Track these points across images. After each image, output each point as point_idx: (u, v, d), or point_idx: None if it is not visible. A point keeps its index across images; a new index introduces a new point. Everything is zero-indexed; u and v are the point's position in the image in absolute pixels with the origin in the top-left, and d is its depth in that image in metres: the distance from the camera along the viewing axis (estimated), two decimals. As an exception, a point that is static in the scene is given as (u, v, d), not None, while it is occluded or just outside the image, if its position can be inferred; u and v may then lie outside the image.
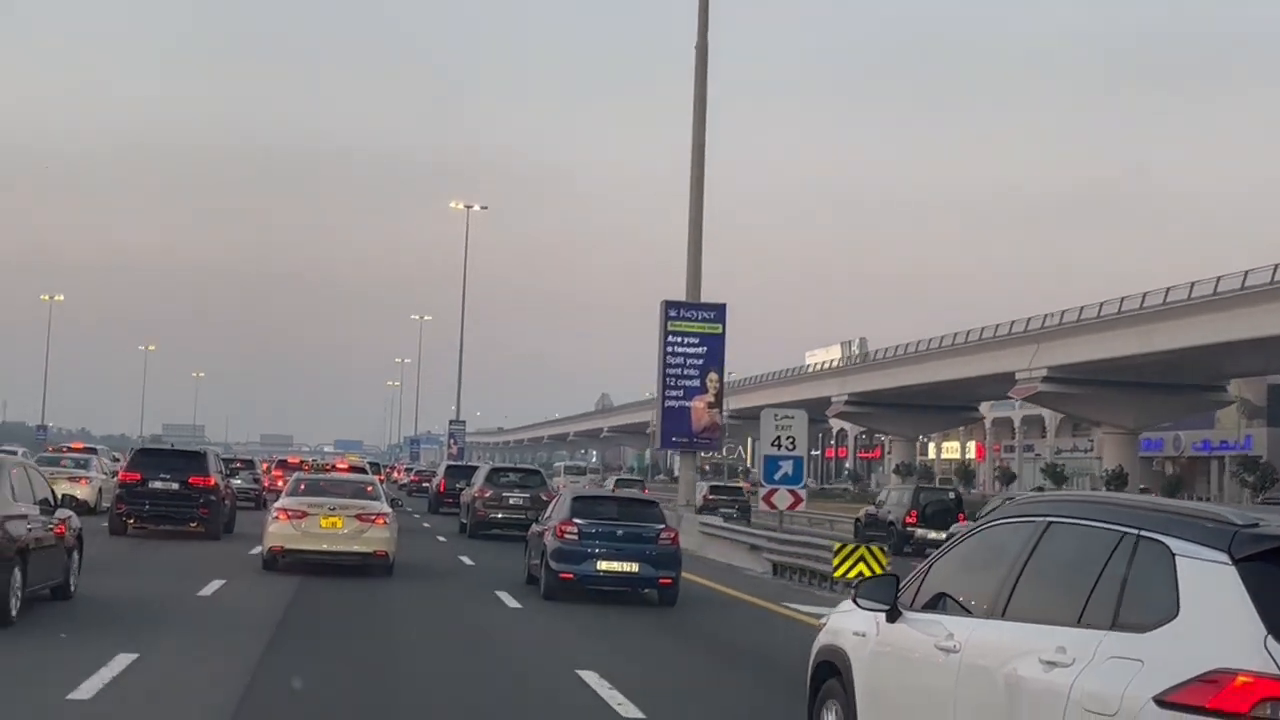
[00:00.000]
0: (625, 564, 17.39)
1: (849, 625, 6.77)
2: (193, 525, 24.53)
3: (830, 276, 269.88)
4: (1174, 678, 4.28)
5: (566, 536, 17.49)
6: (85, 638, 11.68)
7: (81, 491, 29.72)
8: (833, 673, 6.80)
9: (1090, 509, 5.37)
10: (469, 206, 79.78)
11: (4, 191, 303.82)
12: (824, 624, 7.32)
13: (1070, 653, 4.79)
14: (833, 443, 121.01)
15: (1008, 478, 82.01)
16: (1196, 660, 4.26)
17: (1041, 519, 5.61)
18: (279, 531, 18.92)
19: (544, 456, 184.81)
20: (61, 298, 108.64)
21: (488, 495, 30.94)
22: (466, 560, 23.99)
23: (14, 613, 11.92)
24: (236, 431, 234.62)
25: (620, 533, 17.62)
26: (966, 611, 5.83)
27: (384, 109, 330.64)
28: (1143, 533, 4.84)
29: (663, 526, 18.14)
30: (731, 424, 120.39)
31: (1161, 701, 4.27)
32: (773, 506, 27.82)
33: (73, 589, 14.35)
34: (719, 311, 35.67)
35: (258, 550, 19.82)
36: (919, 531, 32.41)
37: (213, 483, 25.04)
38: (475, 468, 40.48)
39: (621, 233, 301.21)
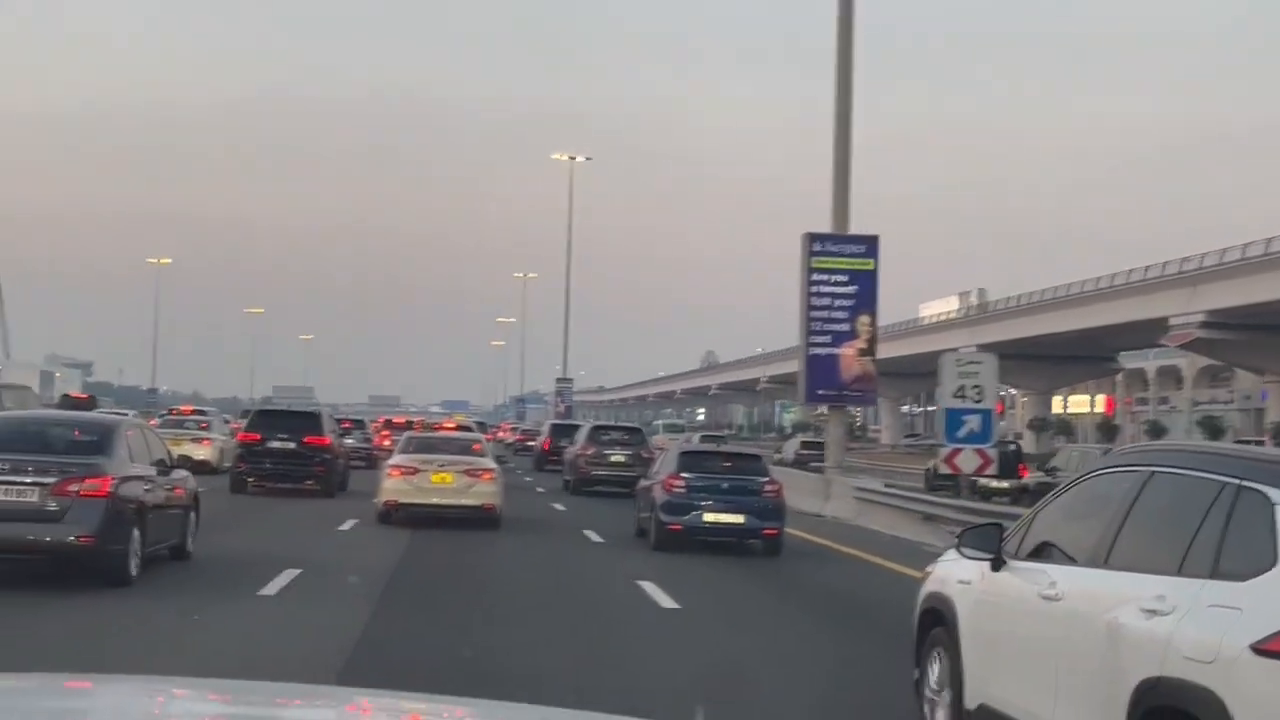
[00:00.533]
0: (731, 515, 18.02)
1: (954, 574, 6.88)
2: (308, 483, 25.22)
3: (943, 225, 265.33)
4: (1271, 626, 4.34)
5: (674, 490, 18.21)
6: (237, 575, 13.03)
7: (203, 452, 31.00)
8: (938, 621, 6.94)
9: (1194, 459, 5.41)
10: (572, 158, 77.72)
11: (113, 154, 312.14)
12: (929, 573, 7.41)
13: (1170, 601, 4.86)
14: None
15: (1157, 431, 78.71)
16: None
17: (1146, 469, 5.66)
18: (393, 486, 20.02)
19: (648, 415, 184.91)
20: (168, 260, 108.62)
21: (590, 453, 31.82)
22: (559, 507, 26.30)
23: (133, 572, 12.09)
24: (345, 393, 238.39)
25: (726, 485, 18.34)
26: (1070, 560, 5.91)
27: (491, 61, 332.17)
28: (1244, 483, 4.89)
29: (767, 479, 18.77)
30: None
31: (1258, 649, 4.35)
32: (957, 470, 23.65)
33: (190, 549, 14.43)
34: (871, 245, 30.22)
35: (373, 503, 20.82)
36: (981, 480, 32.36)
37: (328, 442, 25.88)
38: (578, 426, 41.30)
39: (730, 187, 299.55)
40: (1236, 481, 4.98)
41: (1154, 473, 5.62)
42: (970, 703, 6.48)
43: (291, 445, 25.43)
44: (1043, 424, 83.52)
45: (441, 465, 20.28)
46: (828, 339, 29.96)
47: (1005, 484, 31.15)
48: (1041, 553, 6.26)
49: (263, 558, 14.57)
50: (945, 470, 24.57)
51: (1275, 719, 4.37)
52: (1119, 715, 5.01)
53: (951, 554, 7.08)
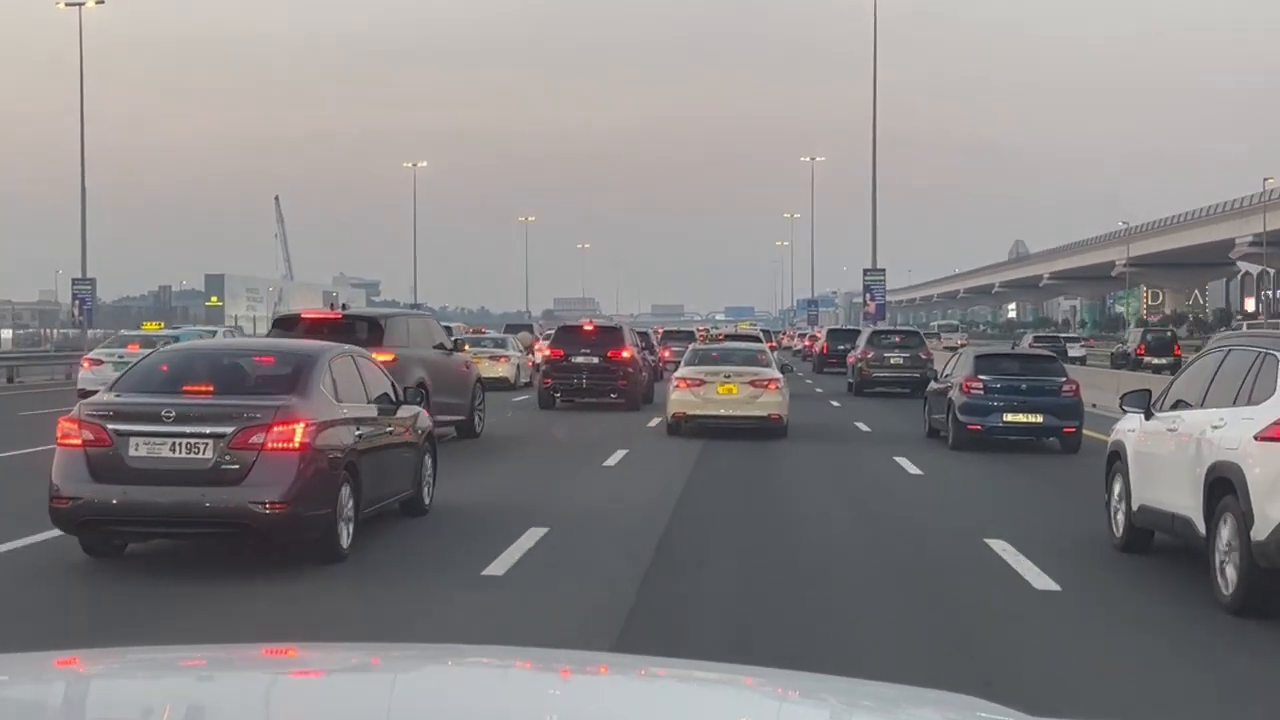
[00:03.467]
0: (1030, 415, 19.82)
1: (1125, 426, 10.81)
2: (613, 397, 27.29)
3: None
4: (1263, 425, 8.09)
5: (973, 391, 19.90)
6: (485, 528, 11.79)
7: (501, 369, 34.12)
8: (1117, 458, 10.80)
9: (1245, 340, 9.16)
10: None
11: (380, 74, 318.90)
12: (1114, 430, 11.17)
13: (1225, 419, 8.70)
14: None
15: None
16: (1276, 415, 8.05)
17: (1227, 348, 9.38)
18: (680, 399, 21.36)
19: (955, 313, 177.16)
20: (424, 163, 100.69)
21: (870, 356, 34.98)
22: (835, 404, 30.74)
23: (345, 543, 10.17)
24: (627, 302, 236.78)
25: (1024, 386, 20.04)
26: (1187, 406, 9.63)
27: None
28: (1266, 351, 8.59)
29: (1064, 379, 20.28)
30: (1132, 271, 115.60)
31: (1258, 438, 8.10)
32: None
33: (428, 501, 12.73)
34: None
35: (656, 421, 23.04)
36: (1146, 358, 49.54)
37: (630, 356, 27.48)
38: (857, 331, 45.25)
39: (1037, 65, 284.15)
40: (1263, 351, 8.69)
41: (1229, 350, 9.36)
42: (1135, 505, 10.26)
43: (595, 360, 27.07)
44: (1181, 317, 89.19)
45: (727, 376, 21.39)
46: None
47: (1162, 360, 48.93)
48: (1173, 405, 9.98)
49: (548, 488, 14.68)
50: None
51: (1267, 478, 8.08)
52: (1199, 490, 8.79)
53: (1126, 416, 10.85)
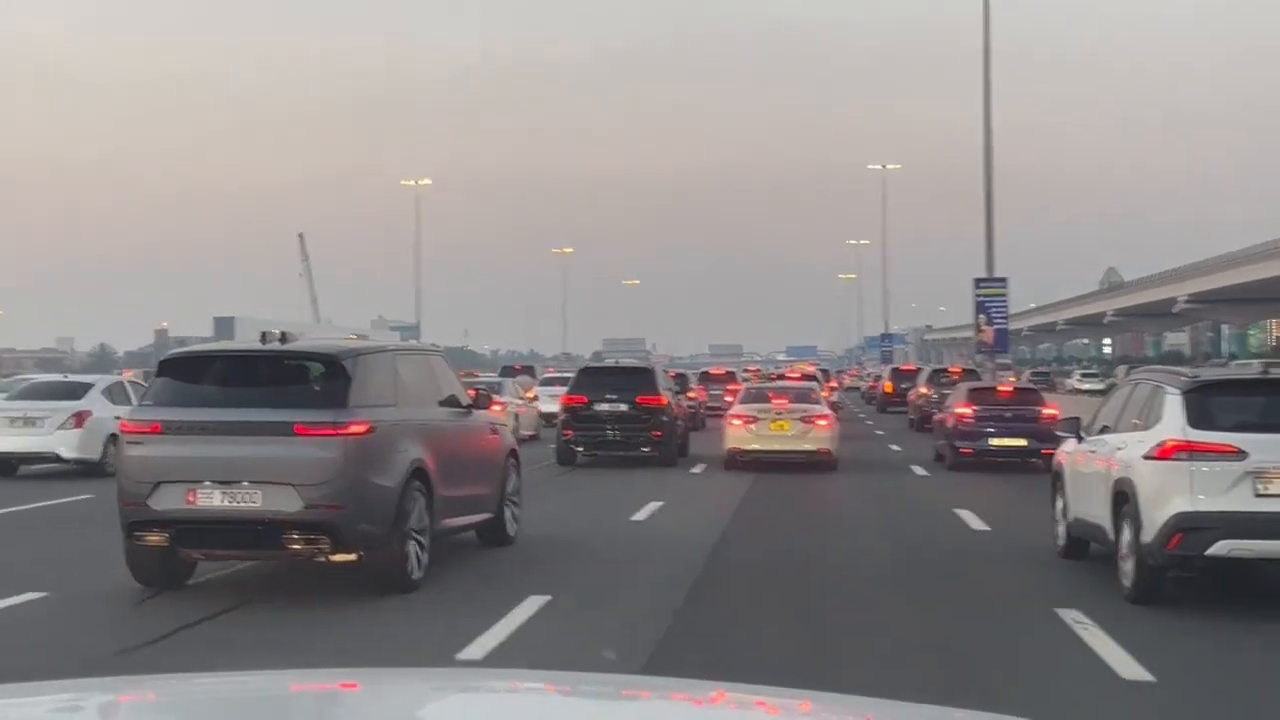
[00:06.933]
0: (1014, 439, 23.24)
1: (1065, 448, 12.42)
2: (645, 450, 23.92)
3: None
4: (1149, 446, 9.80)
5: (964, 420, 23.44)
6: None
7: None
8: (1058, 476, 12.54)
9: (1149, 375, 10.85)
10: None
11: (430, 111, 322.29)
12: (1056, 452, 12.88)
13: (1126, 442, 10.42)
14: None
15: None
16: (1162, 438, 9.75)
17: (1135, 381, 11.13)
18: (736, 435, 23.35)
19: (1049, 348, 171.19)
20: (427, 181, 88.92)
21: (932, 394, 35.44)
22: (895, 448, 30.26)
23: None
24: (681, 343, 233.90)
25: (1009, 415, 23.45)
26: (1109, 430, 11.32)
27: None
28: (1159, 385, 10.31)
29: (1041, 407, 23.46)
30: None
31: (1145, 457, 9.80)
32: None
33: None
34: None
35: (700, 469, 23.75)
36: None
37: (664, 401, 24.12)
38: (919, 370, 46.28)
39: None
40: (1157, 385, 10.43)
41: (1137, 383, 11.08)
42: (1071, 517, 11.94)
43: (623, 407, 23.86)
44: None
45: (779, 414, 23.28)
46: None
47: None
48: (1100, 429, 11.70)
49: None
50: None
51: (1153, 490, 9.84)
52: (1108, 502, 10.48)
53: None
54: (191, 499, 9.42)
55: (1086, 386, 64.66)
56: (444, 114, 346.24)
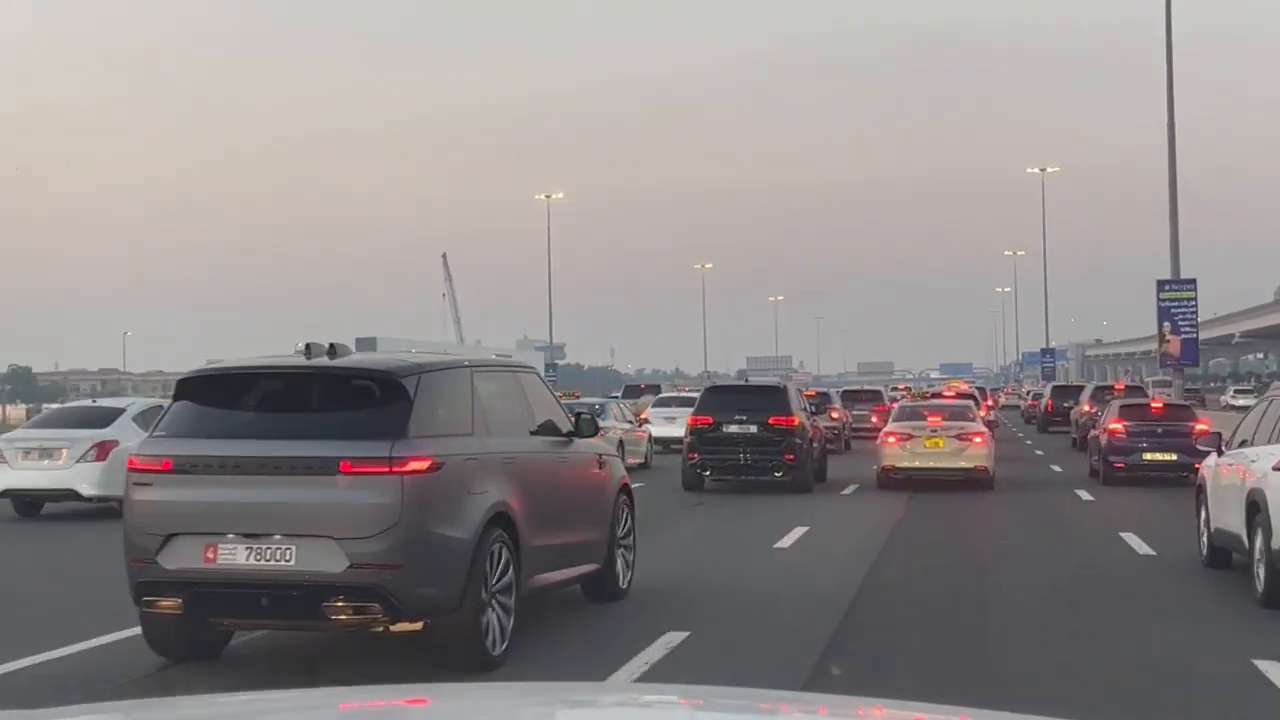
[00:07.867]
0: (1165, 454, 24.00)
1: (1207, 462, 13.10)
2: (777, 475, 22.71)
3: None
4: (1279, 458, 10.48)
5: (1117, 435, 24.26)
6: None
7: None
8: (1200, 490, 13.27)
9: None
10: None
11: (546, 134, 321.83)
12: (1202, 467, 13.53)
13: (1259, 455, 11.11)
14: None
15: None
16: None
17: (1271, 398, 11.81)
18: (890, 454, 23.15)
19: (1225, 364, 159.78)
20: (559, 195, 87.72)
21: (1096, 412, 32.59)
22: (1057, 469, 29.48)
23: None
24: (830, 361, 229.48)
25: (1160, 430, 24.35)
26: (1248, 444, 11.98)
27: None
28: None
29: (1193, 423, 23.40)
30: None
31: (1274, 468, 10.48)
32: None
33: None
34: None
35: (852, 489, 23.37)
36: None
37: (796, 422, 22.76)
38: (1082, 387, 44.80)
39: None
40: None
41: (1273, 400, 11.74)
42: (1212, 528, 12.61)
43: (753, 429, 22.58)
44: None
45: (934, 431, 23.10)
46: None
47: None
48: (1240, 443, 12.36)
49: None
50: None
51: None
52: (1242, 511, 11.19)
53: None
54: (211, 556, 7.75)
55: (1241, 403, 63.21)
56: (584, 129, 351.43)
